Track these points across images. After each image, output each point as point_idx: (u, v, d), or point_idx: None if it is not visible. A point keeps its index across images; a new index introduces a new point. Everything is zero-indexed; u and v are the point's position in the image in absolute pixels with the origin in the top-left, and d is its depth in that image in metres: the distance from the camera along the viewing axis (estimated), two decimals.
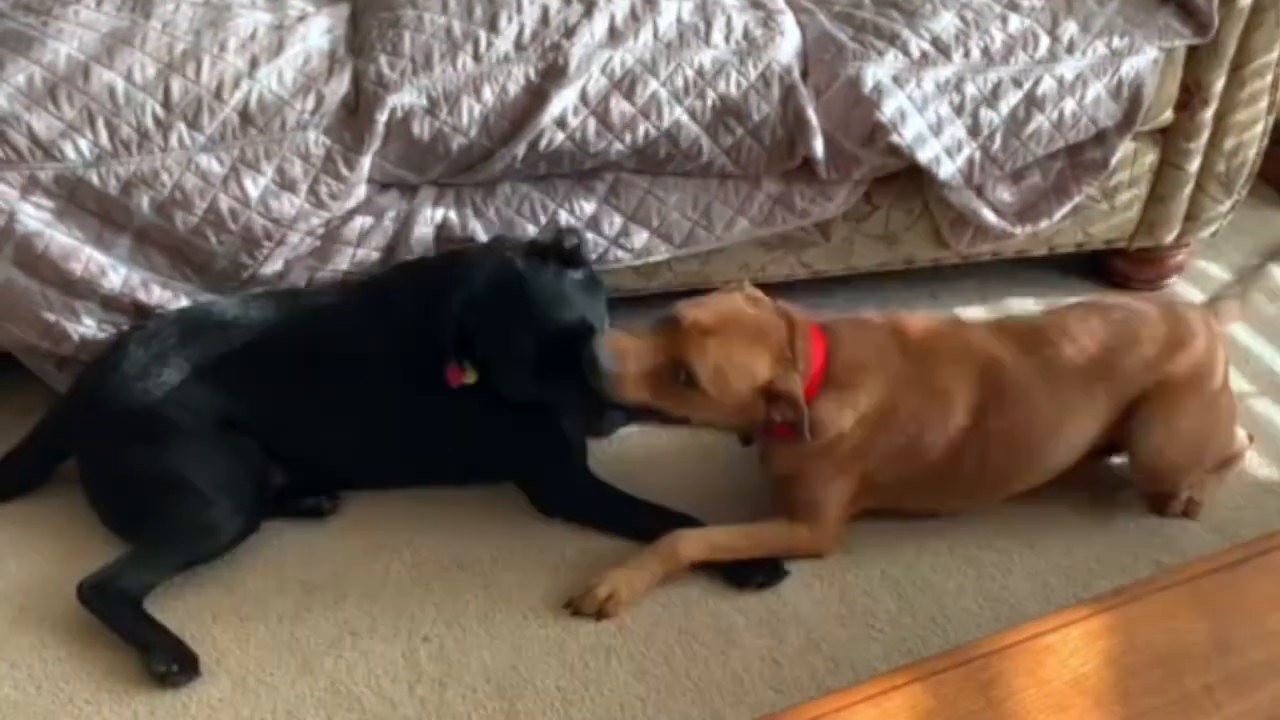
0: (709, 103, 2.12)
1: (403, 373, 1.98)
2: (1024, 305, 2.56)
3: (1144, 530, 2.03)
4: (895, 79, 2.16)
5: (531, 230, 2.22)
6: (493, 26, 2.10)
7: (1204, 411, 1.96)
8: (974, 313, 2.51)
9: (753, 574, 1.91)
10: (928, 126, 2.19)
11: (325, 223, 2.11)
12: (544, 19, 2.12)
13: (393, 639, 1.83)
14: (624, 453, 2.16)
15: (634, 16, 2.14)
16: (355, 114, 2.06)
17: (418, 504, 2.06)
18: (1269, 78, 2.36)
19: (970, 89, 2.20)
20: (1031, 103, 2.21)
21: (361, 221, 2.15)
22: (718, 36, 2.14)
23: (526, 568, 1.95)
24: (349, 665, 1.79)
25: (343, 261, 2.18)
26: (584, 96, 2.08)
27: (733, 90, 2.12)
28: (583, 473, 2.06)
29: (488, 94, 2.06)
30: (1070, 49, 2.22)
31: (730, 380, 1.79)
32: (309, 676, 1.78)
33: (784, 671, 1.78)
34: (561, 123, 2.08)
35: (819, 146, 2.17)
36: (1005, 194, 2.36)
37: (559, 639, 1.83)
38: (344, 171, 2.06)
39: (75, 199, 2.01)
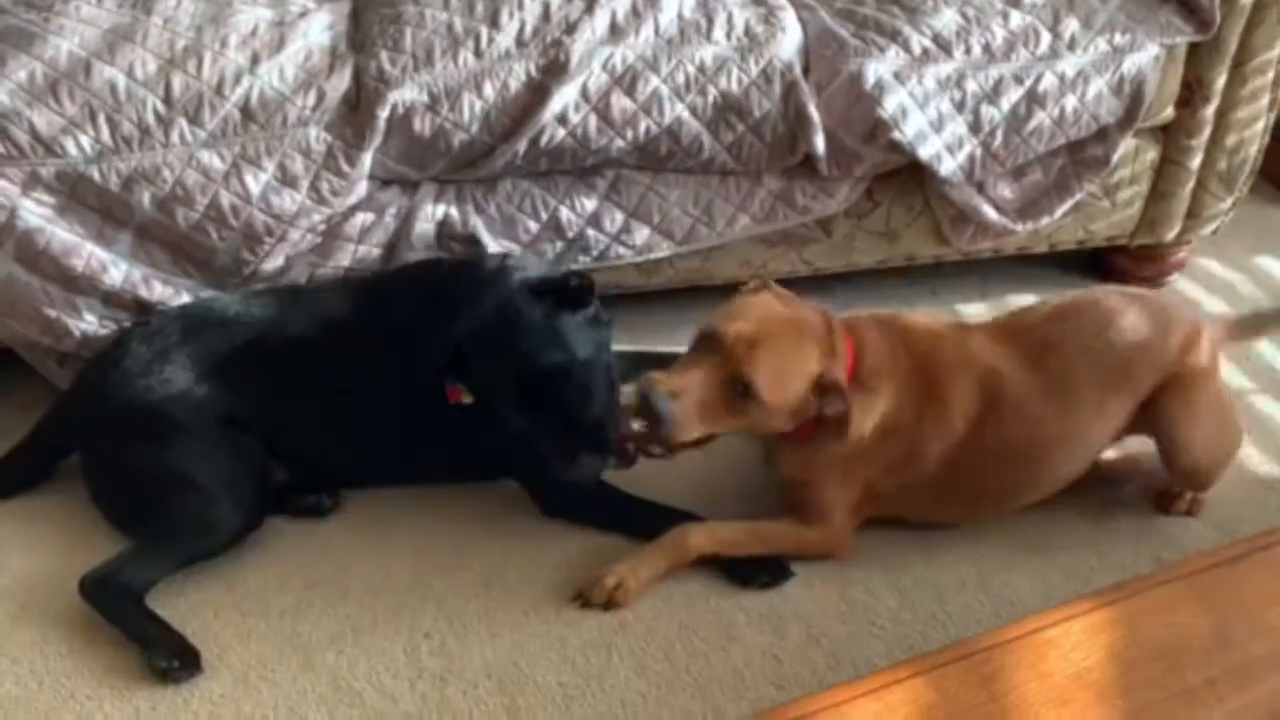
0: (710, 99, 2.12)
1: (402, 373, 1.97)
2: (1025, 303, 2.54)
3: (1145, 527, 2.03)
4: (896, 75, 2.16)
5: (533, 227, 2.22)
6: (494, 23, 2.10)
7: (1219, 403, 1.97)
8: (975, 310, 2.52)
9: (758, 573, 1.91)
10: (929, 123, 2.19)
11: (326, 219, 2.11)
12: (545, 15, 2.12)
13: (394, 635, 1.83)
14: None
15: (635, 13, 2.14)
16: (356, 110, 2.06)
17: (419, 501, 2.06)
18: (1270, 75, 2.36)
19: (971, 85, 2.20)
20: (1033, 99, 2.21)
21: (363, 218, 2.15)
22: (719, 33, 2.14)
23: (527, 564, 1.95)
24: (350, 661, 1.79)
25: (344, 258, 2.18)
26: (585, 93, 2.08)
27: (734, 87, 2.12)
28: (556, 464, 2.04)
29: (489, 90, 2.06)
30: (1072, 45, 2.22)
31: (788, 384, 1.76)
32: (310, 672, 1.78)
33: (785, 668, 1.78)
34: (563, 119, 2.08)
35: (820, 143, 2.17)
36: (1006, 191, 2.36)
37: (560, 635, 1.83)
38: (345, 168, 2.06)
39: (76, 195, 2.01)
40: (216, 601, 1.88)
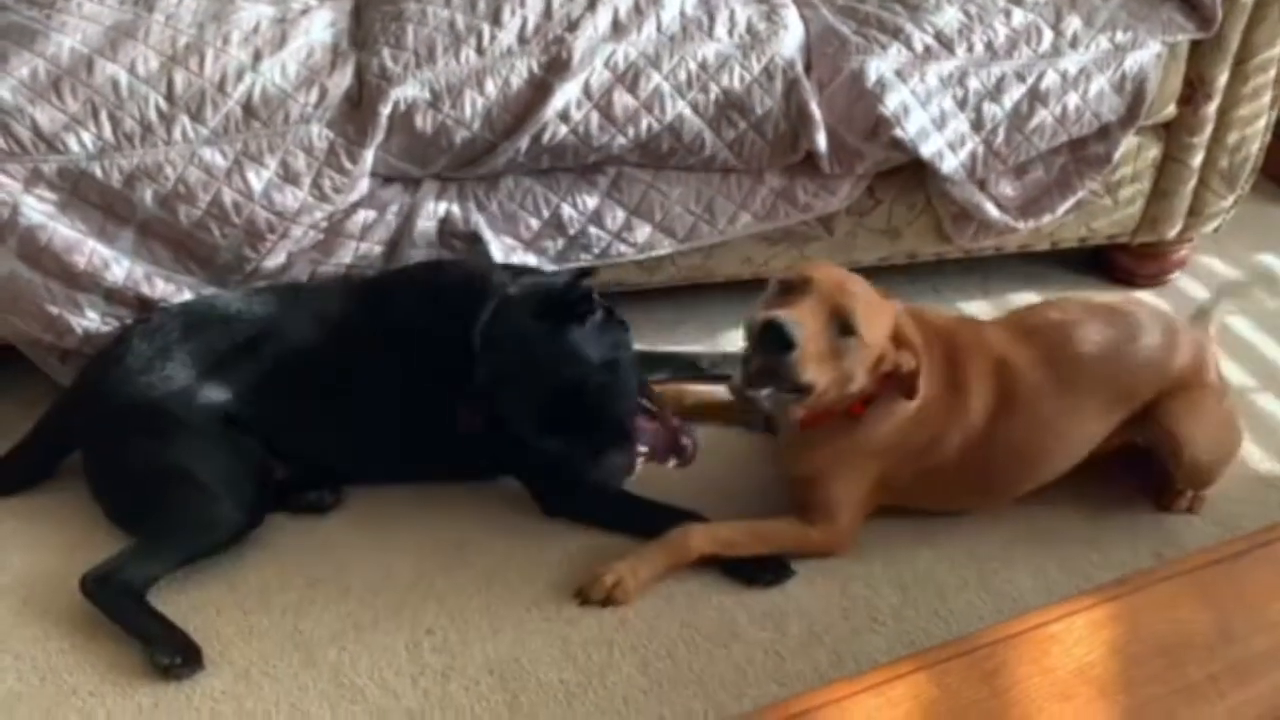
0: (712, 96, 2.12)
1: (403, 372, 1.98)
2: (1027, 300, 2.54)
3: (1146, 524, 2.03)
4: (898, 73, 2.16)
5: (535, 224, 2.22)
6: (496, 20, 2.10)
7: (1221, 407, 1.98)
8: (977, 308, 2.52)
9: (760, 572, 1.91)
10: (931, 121, 2.19)
11: (328, 216, 2.11)
12: (547, 12, 2.12)
13: (396, 632, 1.83)
14: None
15: (637, 10, 2.14)
16: (358, 107, 2.06)
17: (420, 498, 2.06)
18: (1272, 72, 2.36)
19: (973, 83, 2.20)
20: (1035, 97, 2.21)
21: (364, 215, 2.15)
22: (721, 30, 2.15)
23: (529, 561, 1.95)
24: (352, 658, 1.79)
25: (346, 255, 2.18)
26: (587, 90, 2.08)
27: (736, 84, 2.12)
28: (586, 474, 2.04)
29: (490, 87, 2.06)
30: (1074, 43, 2.22)
31: (877, 326, 1.76)
32: (312, 669, 1.78)
33: (786, 665, 1.78)
34: (564, 116, 2.08)
35: (822, 140, 2.17)
36: (1008, 188, 2.36)
37: (562, 632, 1.83)
38: (347, 165, 2.06)
39: (78, 192, 2.01)
40: (218, 599, 1.88)
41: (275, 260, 2.13)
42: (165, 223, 2.06)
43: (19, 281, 2.04)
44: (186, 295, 2.12)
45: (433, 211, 2.17)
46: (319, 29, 2.12)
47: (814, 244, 2.39)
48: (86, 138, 1.98)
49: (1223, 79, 2.34)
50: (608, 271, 2.28)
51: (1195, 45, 2.30)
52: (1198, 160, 2.44)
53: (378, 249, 2.19)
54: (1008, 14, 2.23)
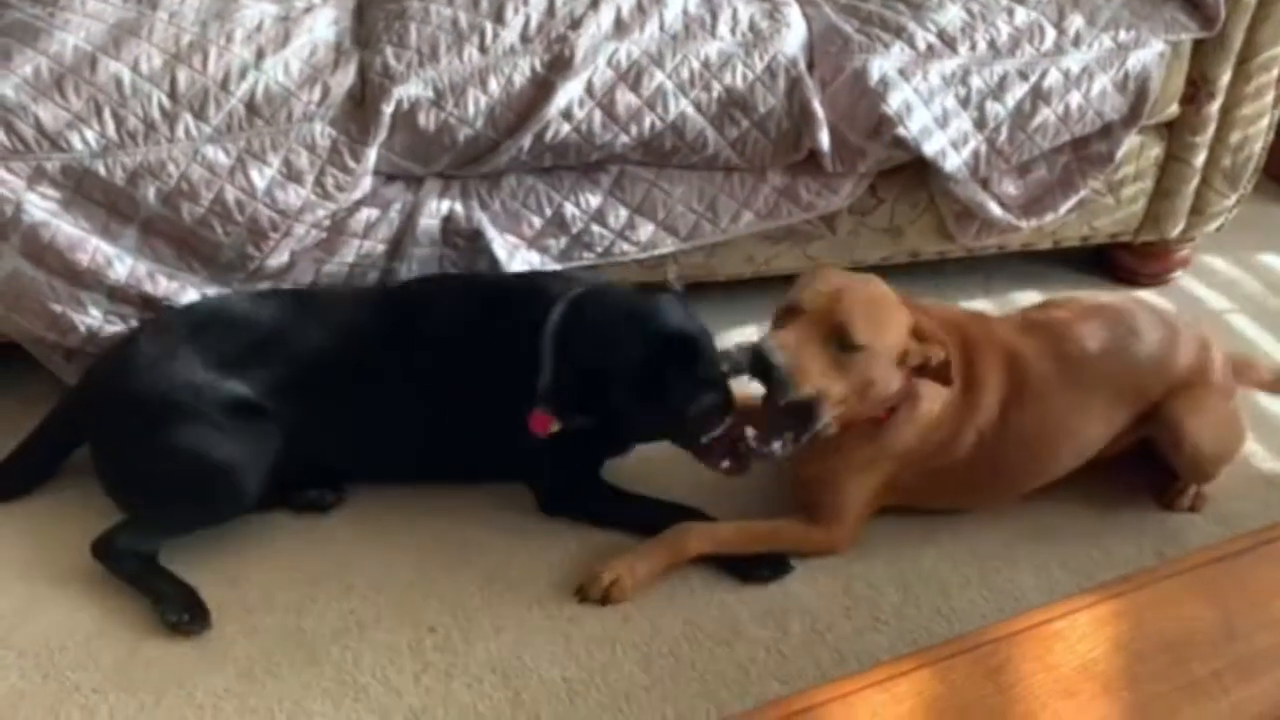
0: (714, 95, 2.12)
1: (418, 378, 1.97)
2: (1029, 299, 2.55)
3: (1148, 523, 2.03)
4: (901, 71, 2.17)
5: (537, 223, 2.22)
6: (499, 18, 2.10)
7: (1224, 404, 1.99)
8: (979, 307, 2.51)
9: (758, 569, 1.92)
10: (933, 119, 2.20)
11: (331, 214, 2.11)
12: (550, 11, 2.12)
13: (398, 629, 1.83)
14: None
15: (640, 8, 2.14)
16: (361, 105, 2.06)
17: (421, 497, 2.06)
18: (1275, 72, 2.36)
19: (976, 82, 2.20)
20: (1037, 96, 2.21)
21: (367, 214, 2.15)
22: (723, 28, 2.15)
23: (531, 559, 1.95)
24: (355, 655, 1.79)
25: (349, 254, 2.18)
26: (590, 88, 2.08)
27: (738, 82, 2.13)
28: (587, 474, 2.04)
29: (493, 86, 2.06)
30: (1076, 42, 2.22)
31: (883, 326, 1.75)
32: (315, 667, 1.77)
33: (789, 663, 1.78)
34: (567, 114, 2.08)
35: (824, 139, 2.18)
36: (1011, 187, 2.37)
37: (564, 630, 1.83)
38: (350, 163, 2.06)
39: (82, 189, 2.01)
40: (220, 597, 1.87)
41: (278, 259, 2.13)
42: (168, 221, 2.06)
43: (22, 279, 2.04)
44: (190, 293, 2.11)
45: (435, 210, 2.17)
46: (322, 27, 2.12)
47: (816, 243, 2.39)
48: (90, 135, 1.98)
49: (1225, 78, 2.34)
50: (610, 270, 2.28)
51: (1198, 44, 2.30)
52: (1200, 159, 2.44)
53: (380, 247, 2.19)
54: (1010, 12, 2.23)
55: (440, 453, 2.03)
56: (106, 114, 1.98)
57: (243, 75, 2.02)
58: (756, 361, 1.71)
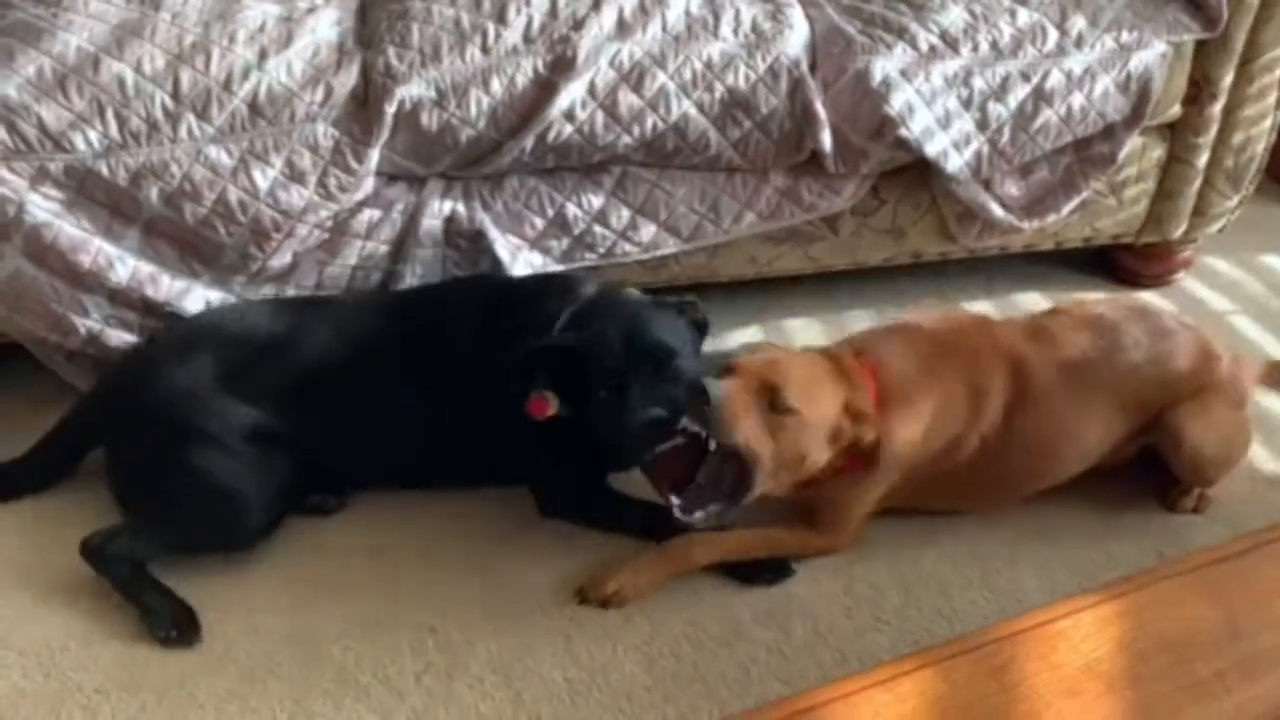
0: (717, 95, 2.12)
1: (430, 381, 1.98)
2: (1030, 300, 2.56)
3: (1151, 524, 2.03)
4: (903, 72, 2.17)
5: (540, 224, 2.22)
6: (501, 19, 2.10)
7: (1227, 409, 1.98)
8: (980, 308, 2.51)
9: (760, 572, 1.92)
10: (936, 120, 2.20)
11: (334, 215, 2.11)
12: (552, 11, 2.12)
13: (399, 630, 1.83)
14: None
15: (642, 9, 2.14)
16: (364, 106, 2.06)
17: (423, 499, 2.06)
18: (1278, 73, 2.36)
19: (978, 83, 2.20)
20: (1040, 97, 2.21)
21: (370, 214, 2.15)
22: (726, 29, 2.15)
23: (532, 561, 1.95)
24: (357, 656, 1.79)
25: (351, 255, 2.18)
26: (592, 89, 2.08)
27: (741, 83, 2.13)
28: (587, 477, 2.04)
29: (496, 86, 2.06)
30: (1079, 43, 2.22)
31: (817, 399, 1.76)
32: (317, 667, 1.77)
33: (790, 663, 1.78)
34: (570, 115, 2.08)
35: (827, 140, 2.18)
36: (1013, 188, 2.36)
37: (566, 630, 1.83)
38: (352, 163, 2.06)
39: (84, 190, 2.01)
40: (223, 597, 1.88)
41: (281, 260, 2.13)
42: (171, 221, 2.06)
43: (24, 280, 2.04)
44: (191, 296, 2.11)
45: (438, 210, 2.17)
46: (325, 28, 2.12)
47: (819, 244, 2.39)
48: (93, 136, 1.98)
49: (1228, 79, 2.34)
50: (612, 271, 2.28)
51: (1200, 45, 2.30)
52: (1203, 160, 2.44)
53: (383, 248, 2.19)
54: (1013, 14, 2.23)
55: (444, 455, 2.03)
56: (109, 114, 1.98)
57: (245, 76, 2.02)
58: (694, 396, 1.70)
